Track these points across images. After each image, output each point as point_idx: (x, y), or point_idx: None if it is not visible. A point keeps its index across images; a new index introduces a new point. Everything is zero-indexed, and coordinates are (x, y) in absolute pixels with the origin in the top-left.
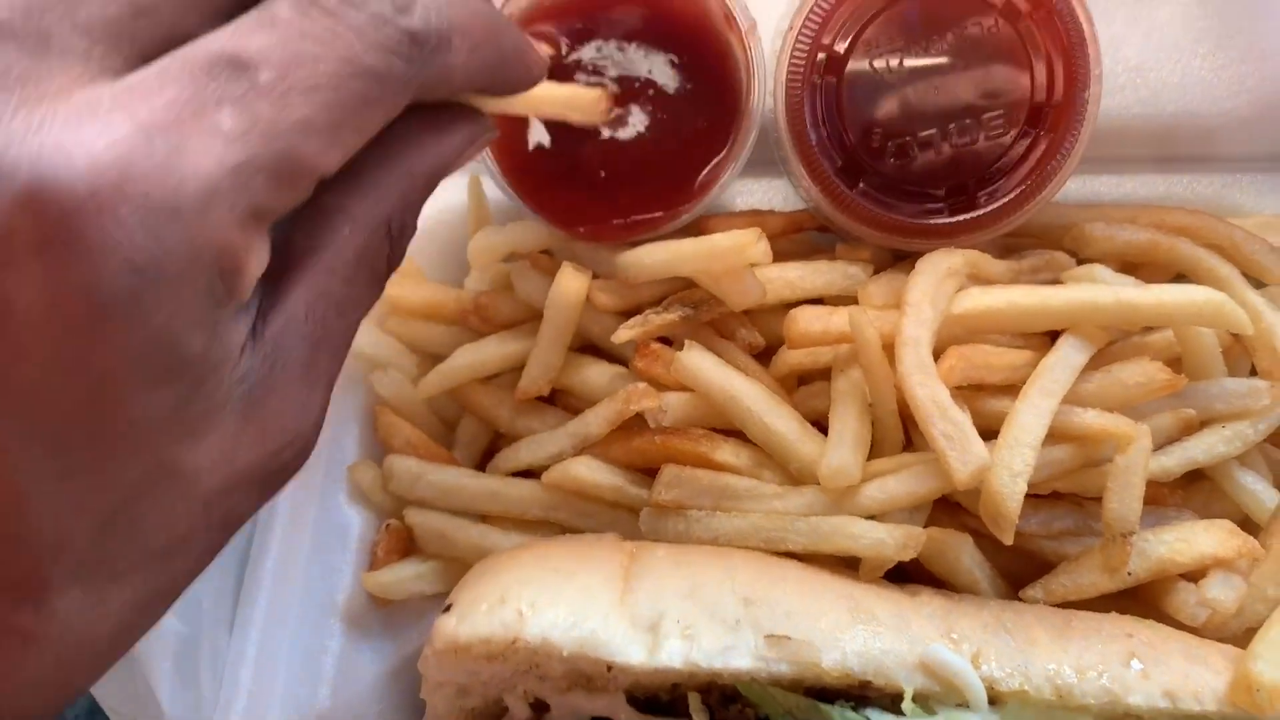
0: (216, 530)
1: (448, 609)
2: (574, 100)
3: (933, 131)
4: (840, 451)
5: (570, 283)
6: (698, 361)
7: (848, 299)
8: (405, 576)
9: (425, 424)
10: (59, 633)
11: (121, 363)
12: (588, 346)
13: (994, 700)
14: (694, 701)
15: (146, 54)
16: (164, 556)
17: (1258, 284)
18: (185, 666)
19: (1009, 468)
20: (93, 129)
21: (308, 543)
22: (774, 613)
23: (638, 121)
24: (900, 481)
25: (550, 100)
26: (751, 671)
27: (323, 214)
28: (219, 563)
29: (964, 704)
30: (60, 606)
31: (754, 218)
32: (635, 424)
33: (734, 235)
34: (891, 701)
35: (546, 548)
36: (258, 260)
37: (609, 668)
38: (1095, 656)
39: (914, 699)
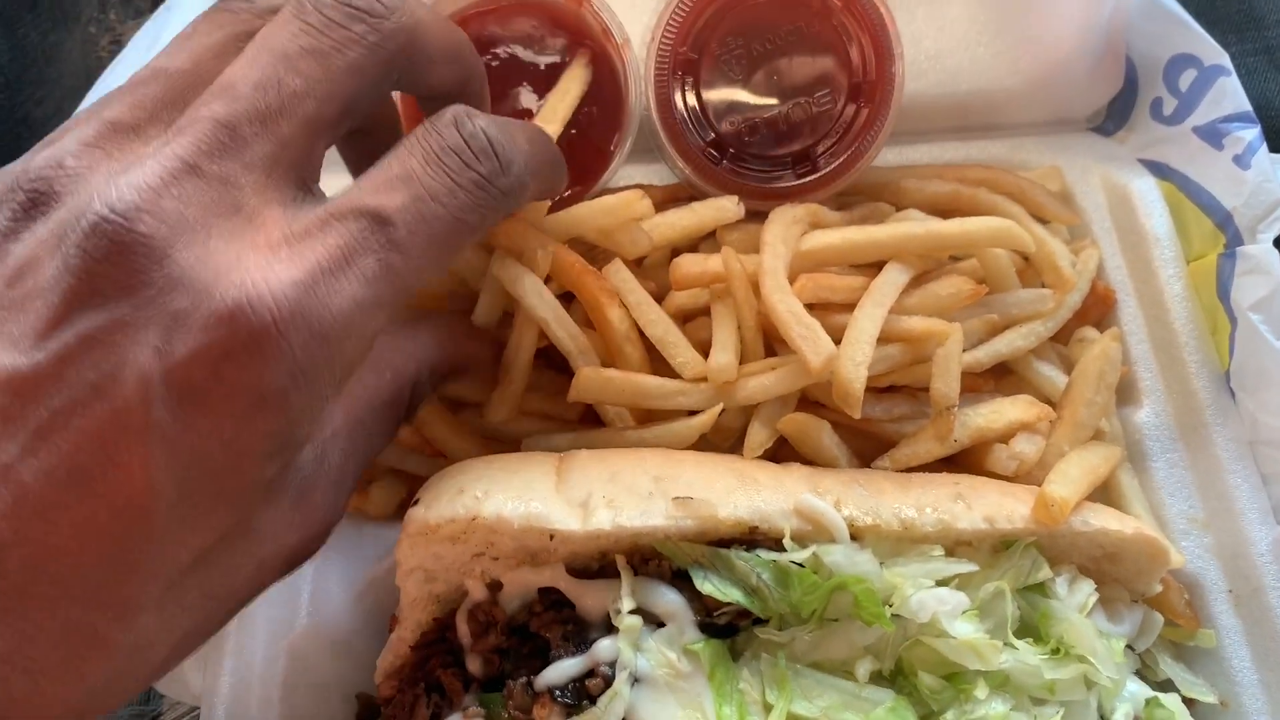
0: (253, 589)
1: (416, 502)
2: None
3: (775, 111)
4: (723, 355)
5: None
6: (621, 272)
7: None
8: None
9: None
10: (131, 646)
11: (260, 441)
12: None
13: (854, 536)
14: (620, 561)
15: (293, 176)
16: (217, 599)
17: (1041, 221)
18: None
19: (852, 359)
20: (280, 270)
21: None
22: (678, 484)
23: None
24: (774, 378)
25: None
26: (664, 529)
27: (372, 361)
28: None
29: (831, 539)
30: (139, 624)
31: (640, 189)
32: None
33: (622, 195)
34: (775, 543)
35: (489, 459)
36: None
37: (551, 537)
38: (930, 498)
39: (792, 537)
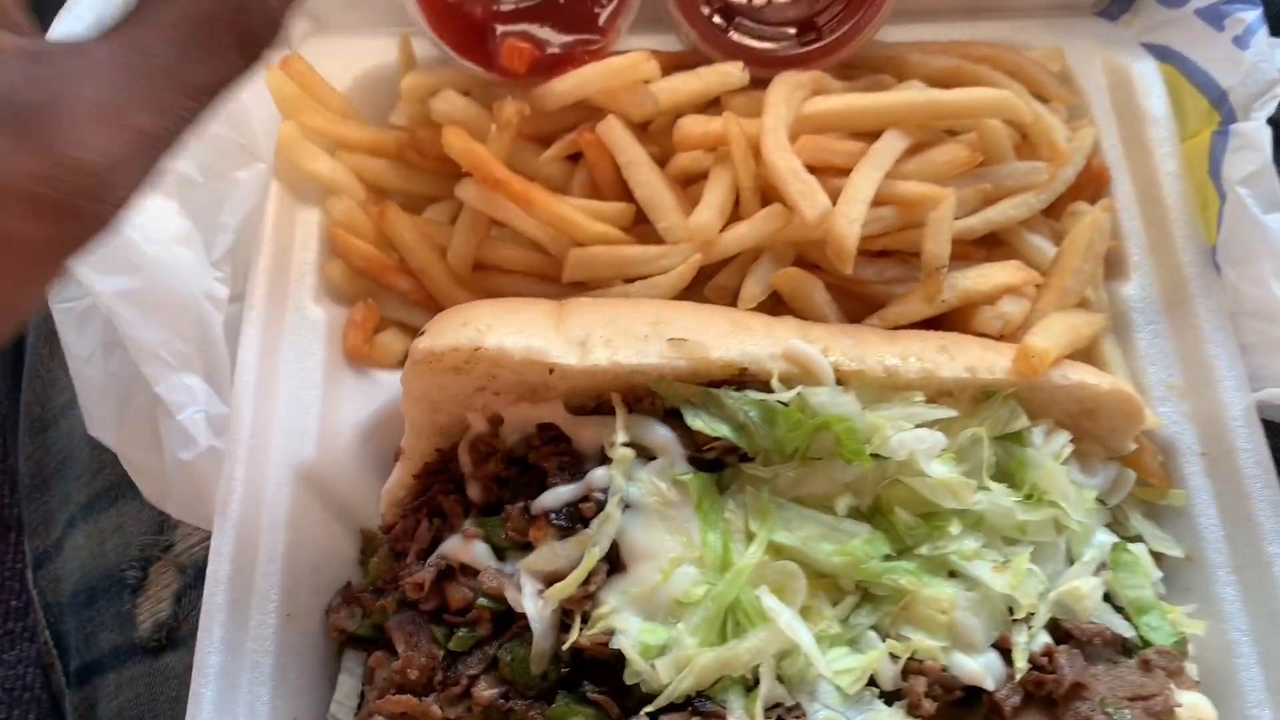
0: None
1: (421, 334)
2: None
3: None
4: (705, 213)
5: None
6: (616, 129)
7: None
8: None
9: (373, 242)
10: None
11: None
12: None
13: (840, 381)
14: (616, 399)
15: None
16: None
17: (1042, 99)
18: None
19: (847, 216)
20: None
21: (284, 336)
22: (674, 328)
23: None
24: (748, 226)
25: None
26: (659, 368)
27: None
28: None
29: (817, 382)
30: None
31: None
32: None
33: (628, 56)
34: (764, 385)
35: (492, 301)
36: None
37: (550, 371)
38: (915, 349)
39: (780, 379)
